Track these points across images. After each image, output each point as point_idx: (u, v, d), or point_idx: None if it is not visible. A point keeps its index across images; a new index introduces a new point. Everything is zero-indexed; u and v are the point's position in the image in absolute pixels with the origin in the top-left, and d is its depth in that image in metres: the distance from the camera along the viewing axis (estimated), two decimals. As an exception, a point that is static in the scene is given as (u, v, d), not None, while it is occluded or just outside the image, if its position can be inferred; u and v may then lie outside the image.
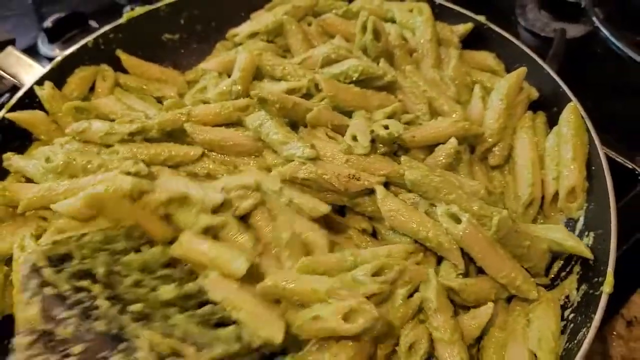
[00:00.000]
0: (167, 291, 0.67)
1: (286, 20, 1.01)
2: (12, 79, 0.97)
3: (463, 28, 1.01)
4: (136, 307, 0.64)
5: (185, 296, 0.68)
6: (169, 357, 0.62)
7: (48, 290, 0.62)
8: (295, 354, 0.69)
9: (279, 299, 0.71)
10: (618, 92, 1.11)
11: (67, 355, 0.59)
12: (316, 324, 0.66)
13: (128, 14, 1.04)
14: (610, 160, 0.88)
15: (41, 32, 1.25)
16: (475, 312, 0.74)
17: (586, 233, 0.79)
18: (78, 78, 0.98)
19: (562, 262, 0.80)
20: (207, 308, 0.66)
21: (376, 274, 0.71)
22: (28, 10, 1.41)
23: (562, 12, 1.21)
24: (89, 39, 1.00)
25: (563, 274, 0.79)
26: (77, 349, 0.60)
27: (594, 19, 1.12)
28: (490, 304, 0.74)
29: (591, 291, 0.73)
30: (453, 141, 0.82)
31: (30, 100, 0.93)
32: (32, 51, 1.24)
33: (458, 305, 0.75)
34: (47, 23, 1.22)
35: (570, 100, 0.88)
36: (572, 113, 0.86)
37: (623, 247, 0.82)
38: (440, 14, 1.03)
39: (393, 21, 1.03)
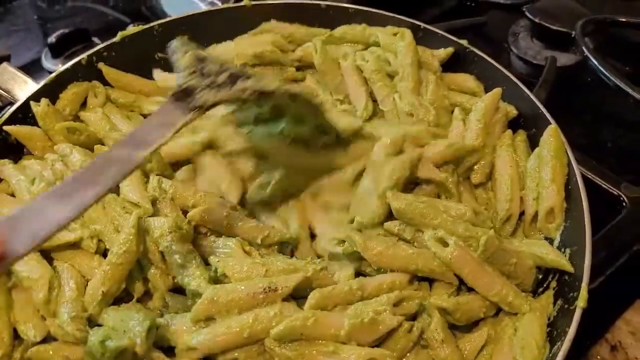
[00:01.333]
0: None
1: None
2: (7, 95, 0.99)
3: (444, 52, 1.04)
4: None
5: None
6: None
7: (193, 51, 0.81)
8: None
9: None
10: (606, 119, 1.13)
11: (217, 80, 0.76)
12: (331, 358, 0.68)
13: (122, 33, 1.06)
14: (595, 187, 0.90)
15: (45, 47, 1.28)
16: (471, 337, 0.76)
17: (562, 250, 0.81)
18: (71, 94, 1.00)
19: (540, 277, 0.81)
20: None
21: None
22: (33, 26, 1.45)
23: (553, 41, 1.23)
24: (82, 56, 1.02)
25: (540, 289, 0.81)
26: (222, 76, 0.77)
27: (584, 48, 1.14)
28: (485, 330, 0.75)
29: (566, 306, 0.75)
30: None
31: (23, 116, 0.95)
32: (36, 65, 1.28)
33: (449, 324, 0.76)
34: (51, 39, 1.25)
35: (549, 122, 0.89)
36: (551, 135, 0.87)
37: (607, 272, 0.84)
38: (424, 37, 1.05)
39: (377, 45, 1.05)
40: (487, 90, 0.99)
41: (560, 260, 0.77)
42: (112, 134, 0.94)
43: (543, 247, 0.80)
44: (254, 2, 1.12)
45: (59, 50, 1.25)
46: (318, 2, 1.13)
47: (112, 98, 1.03)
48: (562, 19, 1.23)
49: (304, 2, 1.14)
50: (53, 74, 0.99)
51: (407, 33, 1.02)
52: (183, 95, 0.74)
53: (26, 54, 1.34)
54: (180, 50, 0.81)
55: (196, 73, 0.77)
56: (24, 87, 0.99)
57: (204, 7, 1.28)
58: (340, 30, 1.09)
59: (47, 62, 1.26)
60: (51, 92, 0.98)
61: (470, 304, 0.76)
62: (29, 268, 0.76)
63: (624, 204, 0.91)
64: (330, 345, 0.69)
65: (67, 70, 1.01)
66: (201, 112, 0.74)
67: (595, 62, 1.11)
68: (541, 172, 0.86)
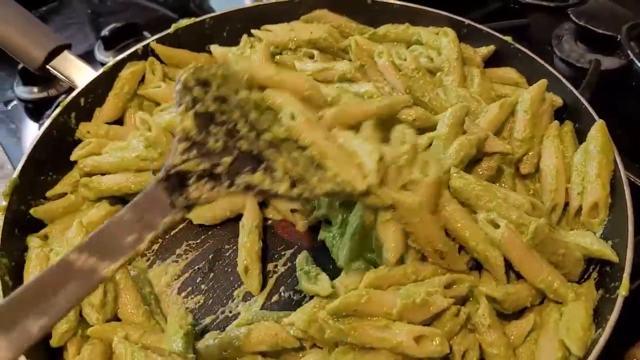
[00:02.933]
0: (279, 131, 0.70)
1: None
2: (67, 80, 1.03)
3: (486, 49, 1.05)
4: (267, 135, 0.68)
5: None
6: (299, 182, 0.66)
7: (199, 107, 0.66)
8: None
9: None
10: (653, 125, 1.13)
11: (217, 165, 0.64)
12: (382, 332, 0.71)
13: (175, 24, 1.10)
14: (638, 190, 0.90)
15: (98, 40, 1.33)
16: (518, 324, 0.78)
17: (605, 241, 0.82)
18: (129, 72, 1.04)
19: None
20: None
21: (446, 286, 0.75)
22: (87, 20, 1.50)
23: (597, 45, 1.23)
24: (138, 46, 1.07)
25: (582, 280, 0.82)
26: (226, 160, 0.64)
27: (629, 52, 1.14)
28: (531, 317, 0.77)
29: (607, 295, 0.76)
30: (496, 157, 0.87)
31: (84, 101, 1.01)
32: (89, 57, 1.33)
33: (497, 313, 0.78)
34: (105, 32, 1.30)
35: (593, 118, 0.91)
36: (599, 131, 0.89)
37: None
38: (468, 34, 1.07)
39: (419, 43, 1.07)
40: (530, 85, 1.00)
41: (605, 250, 0.79)
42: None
43: (588, 238, 0.81)
44: (300, -4, 1.15)
45: (111, 43, 1.30)
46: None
47: (169, 75, 1.07)
48: (607, 22, 1.23)
49: None
50: (111, 62, 1.04)
51: (450, 31, 1.04)
52: (173, 181, 0.62)
53: (80, 46, 1.39)
54: (184, 95, 0.66)
55: (194, 149, 0.64)
56: (84, 74, 1.02)
57: (249, 3, 1.32)
58: (383, 29, 1.11)
59: (100, 54, 1.31)
60: (109, 79, 1.03)
61: (518, 293, 0.77)
62: None
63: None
64: (383, 320, 0.71)
65: (123, 59, 1.05)
66: (190, 209, 0.63)
67: (642, 66, 1.10)
68: (587, 166, 0.87)
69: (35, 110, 1.25)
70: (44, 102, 1.24)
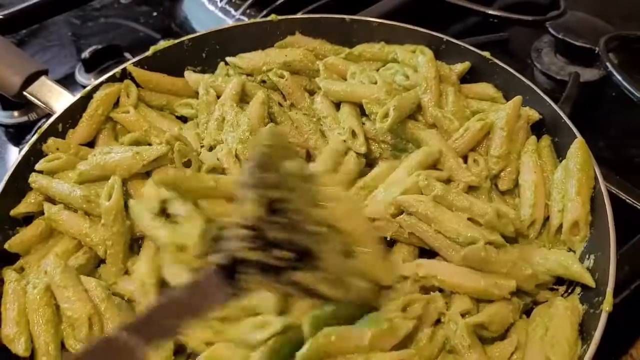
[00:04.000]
0: None
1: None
2: (44, 106, 1.02)
3: (461, 67, 1.06)
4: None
5: None
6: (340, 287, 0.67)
7: (271, 193, 0.64)
8: None
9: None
10: (630, 134, 1.13)
11: (274, 258, 0.62)
12: None
13: (154, 47, 1.09)
14: (619, 202, 0.90)
15: (79, 62, 1.33)
16: (500, 345, 0.77)
17: (587, 256, 0.82)
18: (103, 94, 1.02)
19: (567, 282, 0.83)
20: None
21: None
22: (67, 42, 1.50)
23: (576, 57, 1.24)
24: (116, 70, 1.06)
25: (565, 294, 0.82)
26: (282, 254, 0.62)
27: (608, 64, 1.14)
28: (514, 338, 0.77)
29: (592, 310, 0.76)
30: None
31: (62, 127, 0.99)
32: (69, 80, 1.32)
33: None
34: (85, 54, 1.29)
35: (572, 132, 0.91)
36: (579, 148, 0.89)
37: (631, 287, 0.84)
38: (447, 49, 1.07)
39: (395, 61, 1.08)
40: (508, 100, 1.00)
41: (583, 274, 0.79)
42: (152, 132, 0.98)
43: (567, 257, 0.81)
44: (280, 17, 1.15)
45: (92, 65, 1.29)
46: (342, 16, 1.15)
47: (144, 99, 1.06)
48: (585, 35, 1.24)
49: (329, 16, 1.16)
50: (88, 87, 1.03)
51: (427, 50, 1.04)
52: (229, 269, 0.60)
53: (60, 69, 1.38)
54: (257, 176, 0.64)
55: (254, 239, 0.61)
56: (62, 99, 1.01)
57: (229, 22, 1.32)
58: (359, 48, 1.11)
59: (81, 77, 1.31)
60: (87, 104, 1.01)
61: (500, 312, 0.77)
62: (70, 305, 0.79)
63: (648, 220, 0.91)
64: (359, 356, 0.69)
65: (101, 83, 1.04)
66: (239, 298, 0.62)
67: (620, 78, 1.11)
68: (567, 184, 0.87)
69: (16, 134, 1.24)
70: (24, 126, 1.23)
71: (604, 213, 0.82)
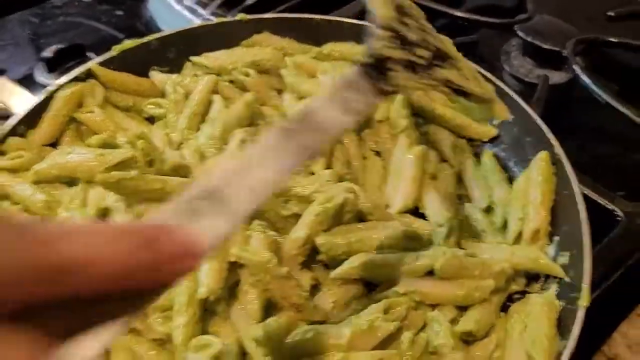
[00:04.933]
0: None
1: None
2: (4, 108, 0.99)
3: None
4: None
5: None
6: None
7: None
8: None
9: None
10: (599, 136, 1.15)
11: (417, 55, 0.60)
12: None
13: (119, 46, 1.06)
14: (589, 202, 0.91)
15: (38, 62, 1.27)
16: (481, 345, 0.77)
17: (561, 253, 0.84)
18: (68, 93, 0.98)
19: (542, 280, 0.84)
20: None
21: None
22: (24, 41, 1.44)
23: (545, 60, 1.25)
24: (80, 69, 1.02)
25: (540, 292, 0.83)
26: (423, 52, 0.60)
27: (575, 66, 1.17)
28: (494, 337, 0.77)
29: (569, 306, 0.77)
30: None
31: (24, 129, 0.95)
32: (28, 80, 1.26)
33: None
34: (47, 53, 1.24)
35: (542, 132, 0.93)
36: (543, 160, 0.90)
37: (602, 286, 0.85)
38: None
39: None
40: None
41: (550, 265, 0.81)
42: (118, 132, 0.94)
43: (534, 253, 0.83)
44: (249, 17, 1.13)
45: (54, 65, 1.24)
46: (312, 15, 1.14)
47: (110, 100, 1.03)
48: (553, 38, 1.26)
49: (298, 16, 1.16)
50: (50, 87, 0.99)
51: None
52: (377, 67, 0.58)
53: (18, 69, 1.32)
54: None
55: (394, 40, 0.60)
56: (22, 100, 0.99)
57: (197, 22, 1.29)
58: (328, 47, 1.11)
59: (41, 77, 1.25)
60: (49, 104, 0.97)
61: (485, 316, 0.77)
62: None
63: (618, 218, 0.92)
64: (337, 354, 0.69)
65: (64, 83, 1.00)
66: (391, 95, 0.63)
67: (587, 80, 1.13)
68: (529, 194, 0.88)
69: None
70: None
71: (576, 209, 0.83)
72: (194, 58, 1.10)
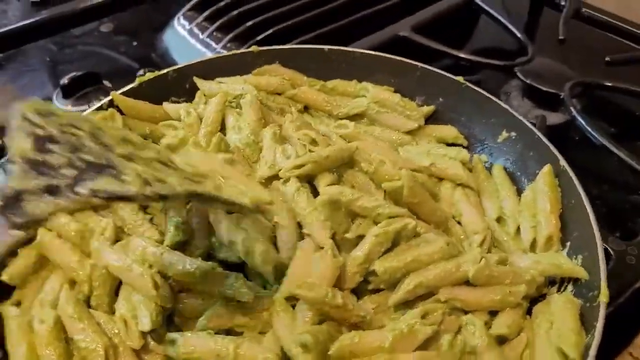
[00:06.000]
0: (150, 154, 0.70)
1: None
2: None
3: (426, 109, 1.16)
4: (121, 150, 0.67)
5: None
6: (155, 182, 0.64)
7: (39, 131, 0.62)
8: None
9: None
10: (594, 177, 1.17)
11: (58, 178, 0.59)
12: None
13: (140, 78, 1.11)
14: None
15: (57, 88, 1.33)
16: (511, 345, 0.82)
17: (574, 257, 0.89)
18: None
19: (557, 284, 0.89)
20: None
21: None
22: (44, 67, 1.49)
23: (543, 101, 1.30)
24: (104, 100, 1.06)
25: (558, 293, 0.88)
26: (67, 172, 0.60)
27: (572, 109, 1.21)
28: (523, 336, 0.82)
29: (588, 304, 0.82)
30: None
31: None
32: (46, 105, 1.32)
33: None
34: (64, 80, 1.30)
35: (547, 146, 1.01)
36: (547, 173, 0.97)
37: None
38: (421, 76, 1.16)
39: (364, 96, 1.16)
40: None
41: (575, 268, 0.86)
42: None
43: (558, 257, 0.89)
44: (261, 48, 1.19)
45: (70, 91, 1.30)
46: (321, 46, 1.21)
47: (129, 127, 1.06)
48: (551, 80, 1.30)
49: (308, 47, 1.22)
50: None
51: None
52: (9, 204, 0.56)
53: (37, 94, 1.38)
54: (19, 128, 0.62)
55: (33, 167, 0.59)
56: None
57: (210, 55, 1.35)
58: (333, 82, 1.18)
59: (58, 102, 1.31)
60: None
61: (515, 319, 0.83)
62: (85, 337, 0.77)
63: (611, 257, 0.96)
64: (382, 356, 0.74)
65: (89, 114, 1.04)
66: (34, 226, 0.63)
67: (583, 122, 1.17)
68: (538, 203, 0.95)
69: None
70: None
71: (585, 217, 0.88)
72: (203, 81, 1.14)
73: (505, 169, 1.07)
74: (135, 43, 1.55)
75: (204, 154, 0.84)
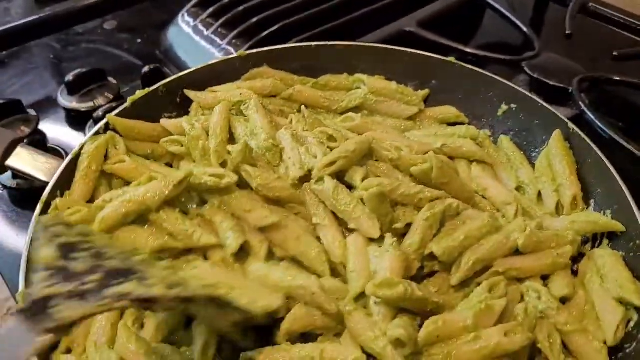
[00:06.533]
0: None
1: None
2: (30, 177, 0.97)
3: (422, 93, 1.17)
4: (139, 257, 0.69)
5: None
6: (178, 286, 0.65)
7: (60, 239, 0.65)
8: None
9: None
10: (603, 172, 1.17)
11: (84, 284, 0.61)
12: (477, 344, 0.74)
13: (131, 97, 1.06)
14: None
15: (61, 85, 1.32)
16: (572, 304, 0.84)
17: (601, 212, 0.92)
18: (93, 147, 0.96)
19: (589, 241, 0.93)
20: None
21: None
22: (48, 65, 1.49)
23: (551, 96, 1.27)
24: (100, 125, 1.01)
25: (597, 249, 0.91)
26: (93, 277, 0.62)
27: (580, 103, 1.20)
28: (581, 294, 0.85)
29: (632, 254, 0.86)
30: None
31: (60, 193, 0.92)
32: (50, 102, 1.32)
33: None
34: (69, 77, 1.29)
35: (557, 116, 1.04)
36: (557, 139, 1.01)
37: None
38: (411, 61, 1.19)
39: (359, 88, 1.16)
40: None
41: (610, 222, 0.89)
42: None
43: (592, 215, 0.93)
44: (247, 52, 1.18)
45: (75, 88, 1.29)
46: (309, 43, 1.21)
47: (129, 149, 1.01)
48: (558, 75, 1.30)
49: (295, 45, 1.22)
50: (76, 148, 0.97)
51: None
52: (36, 310, 0.57)
53: (41, 91, 1.38)
54: (43, 238, 0.65)
55: (58, 276, 0.61)
56: (43, 168, 0.97)
57: (217, 54, 1.34)
58: (325, 79, 1.17)
59: (63, 100, 1.30)
60: (73, 167, 0.95)
61: (569, 279, 0.86)
62: None
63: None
64: (469, 335, 0.75)
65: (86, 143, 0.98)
66: (63, 331, 0.60)
67: (592, 116, 1.16)
68: (554, 167, 0.99)
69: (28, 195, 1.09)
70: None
71: (606, 172, 0.93)
72: (197, 93, 1.11)
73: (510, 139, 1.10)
74: (139, 40, 1.54)
75: (209, 266, 0.81)
